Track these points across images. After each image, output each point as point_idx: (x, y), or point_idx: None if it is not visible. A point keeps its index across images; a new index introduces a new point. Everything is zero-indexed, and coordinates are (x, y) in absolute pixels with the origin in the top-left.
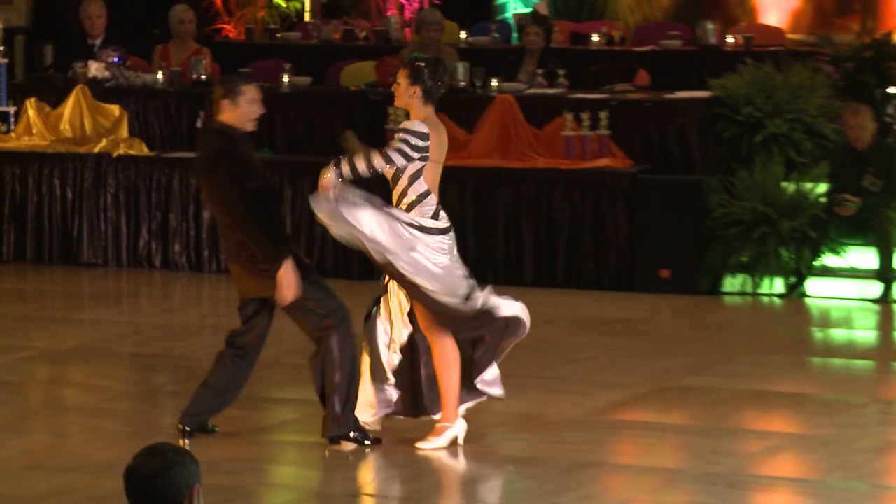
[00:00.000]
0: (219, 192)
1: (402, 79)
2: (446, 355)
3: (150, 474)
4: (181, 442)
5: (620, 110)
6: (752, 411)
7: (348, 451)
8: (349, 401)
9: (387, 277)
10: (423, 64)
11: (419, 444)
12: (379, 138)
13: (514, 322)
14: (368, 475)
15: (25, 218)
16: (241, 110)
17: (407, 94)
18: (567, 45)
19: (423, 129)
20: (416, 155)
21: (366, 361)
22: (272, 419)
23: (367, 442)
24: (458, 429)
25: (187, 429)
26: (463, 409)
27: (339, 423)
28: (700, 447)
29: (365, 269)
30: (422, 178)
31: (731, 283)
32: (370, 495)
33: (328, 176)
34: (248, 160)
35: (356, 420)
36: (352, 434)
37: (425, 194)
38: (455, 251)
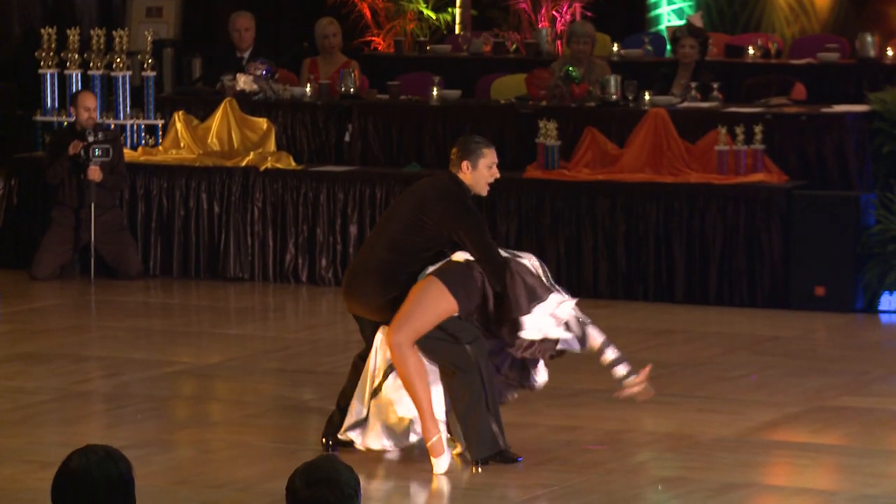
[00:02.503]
0: (449, 218)
1: None
2: (418, 369)
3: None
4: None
5: (776, 124)
6: None
7: (493, 467)
8: (496, 413)
9: None
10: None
11: (436, 472)
12: (528, 153)
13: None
14: (515, 494)
15: (172, 232)
16: (480, 173)
17: None
18: (721, 57)
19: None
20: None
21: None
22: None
23: (509, 460)
24: (444, 432)
25: (330, 443)
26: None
27: (492, 442)
28: (855, 469)
29: None
30: None
31: (889, 300)
32: None
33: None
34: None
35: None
36: (498, 454)
37: None
38: None
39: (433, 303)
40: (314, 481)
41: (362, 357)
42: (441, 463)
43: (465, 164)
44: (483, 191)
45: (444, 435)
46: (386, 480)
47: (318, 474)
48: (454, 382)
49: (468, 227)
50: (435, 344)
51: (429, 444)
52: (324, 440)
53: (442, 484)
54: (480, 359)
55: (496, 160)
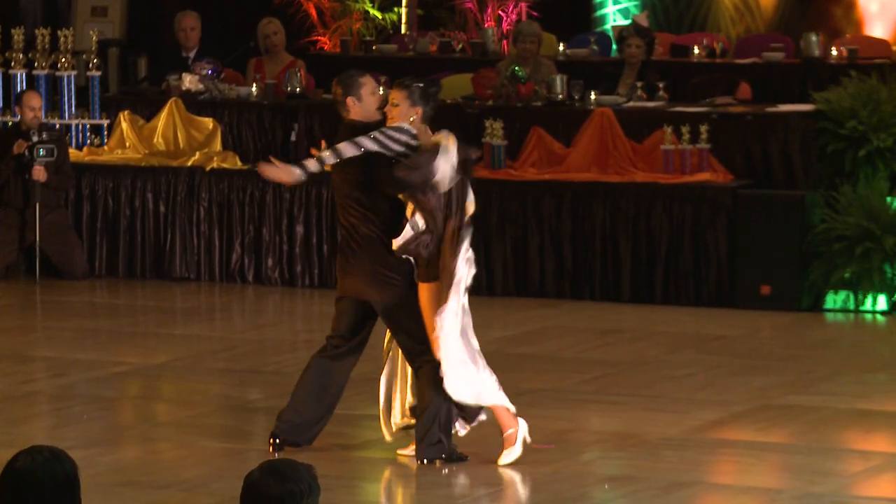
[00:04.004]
0: (371, 177)
1: (401, 101)
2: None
3: (273, 497)
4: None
5: (721, 124)
6: (855, 431)
7: (440, 468)
8: (448, 424)
9: None
10: (422, 86)
11: (501, 461)
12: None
13: None
14: (461, 493)
15: (118, 232)
16: (366, 103)
17: (408, 115)
18: (667, 57)
19: (413, 130)
20: (395, 147)
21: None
22: (364, 436)
23: (455, 459)
24: (523, 429)
25: (278, 441)
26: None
27: (438, 446)
28: (800, 467)
29: None
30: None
31: (834, 299)
32: None
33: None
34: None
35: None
36: (444, 455)
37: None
38: None
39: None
40: (268, 470)
41: (319, 361)
42: (512, 455)
43: (350, 100)
44: (376, 116)
45: (525, 428)
46: (334, 477)
47: (276, 465)
48: (421, 378)
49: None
50: (419, 332)
51: (505, 434)
52: (272, 440)
53: (388, 482)
54: None
55: (376, 85)
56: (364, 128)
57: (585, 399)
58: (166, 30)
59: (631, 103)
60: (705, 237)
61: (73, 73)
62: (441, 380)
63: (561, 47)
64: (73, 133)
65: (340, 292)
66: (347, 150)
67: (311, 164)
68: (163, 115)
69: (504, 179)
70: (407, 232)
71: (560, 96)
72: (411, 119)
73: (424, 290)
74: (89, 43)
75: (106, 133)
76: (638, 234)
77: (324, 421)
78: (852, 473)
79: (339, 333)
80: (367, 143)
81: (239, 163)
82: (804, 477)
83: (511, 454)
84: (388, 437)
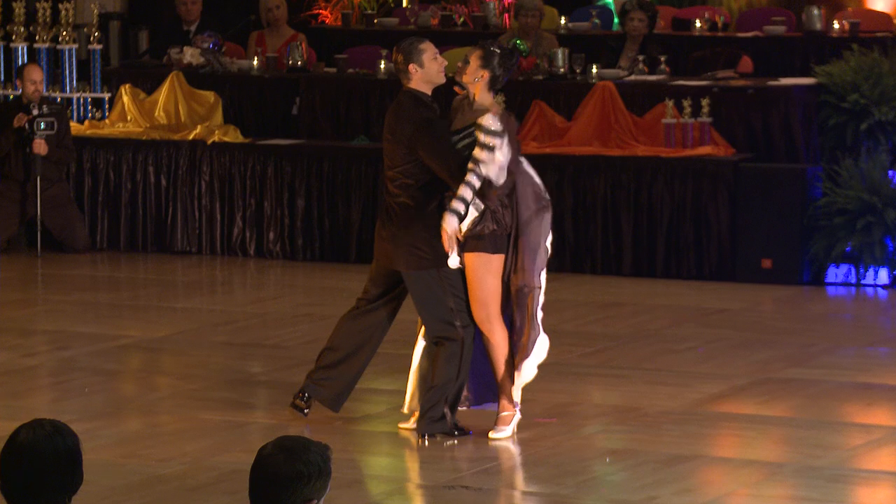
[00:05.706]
0: (426, 153)
1: (474, 60)
2: (502, 345)
3: (281, 475)
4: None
5: (723, 97)
6: (856, 404)
7: (442, 442)
8: (455, 402)
9: None
10: (497, 51)
11: (491, 434)
12: None
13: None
14: (463, 466)
15: (119, 205)
16: (429, 68)
17: (474, 75)
18: (669, 30)
19: (498, 125)
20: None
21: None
22: (365, 409)
23: (457, 433)
24: (517, 417)
25: (306, 395)
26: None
27: (441, 422)
28: (801, 440)
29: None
30: None
31: (835, 273)
32: (466, 487)
33: (450, 227)
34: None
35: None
36: (446, 431)
37: None
38: None
39: (482, 271)
40: (280, 447)
41: (351, 317)
42: (502, 432)
43: (412, 67)
44: (440, 79)
45: (518, 418)
46: (335, 450)
47: (289, 443)
48: (438, 353)
49: (426, 148)
50: (441, 310)
51: (500, 415)
52: (301, 394)
53: (392, 455)
54: (466, 345)
55: (436, 49)
56: (425, 99)
57: (586, 373)
58: (167, 3)
59: (632, 77)
60: (706, 211)
61: (75, 46)
62: (452, 371)
63: (562, 21)
64: (75, 106)
65: (376, 255)
66: (473, 181)
67: (457, 205)
68: (164, 89)
69: None
70: (472, 213)
71: (561, 70)
72: (476, 80)
73: (474, 260)
74: (90, 16)
75: (107, 106)
76: (639, 207)
77: (354, 383)
78: (853, 447)
79: (366, 297)
80: (473, 179)
81: (240, 136)
82: (805, 450)
83: (504, 432)
84: (406, 410)
